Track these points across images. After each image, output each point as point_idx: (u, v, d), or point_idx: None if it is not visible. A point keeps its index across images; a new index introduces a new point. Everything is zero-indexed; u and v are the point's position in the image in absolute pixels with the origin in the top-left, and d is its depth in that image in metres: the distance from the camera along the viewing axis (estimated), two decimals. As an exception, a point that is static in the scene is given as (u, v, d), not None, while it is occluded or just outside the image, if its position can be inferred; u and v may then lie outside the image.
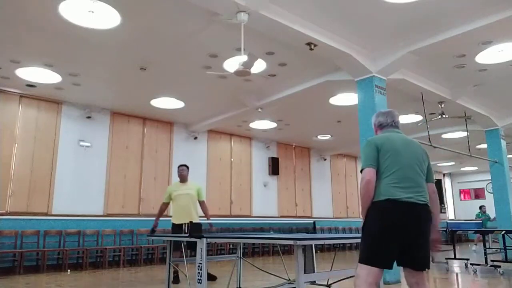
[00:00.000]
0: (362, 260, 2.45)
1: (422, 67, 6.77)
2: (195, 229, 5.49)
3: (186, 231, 5.74)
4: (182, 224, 5.84)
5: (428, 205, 2.52)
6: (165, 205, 6.13)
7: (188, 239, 4.21)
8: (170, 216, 6.23)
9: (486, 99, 8.59)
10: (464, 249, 12.65)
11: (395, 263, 2.46)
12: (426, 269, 2.51)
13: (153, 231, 5.89)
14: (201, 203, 6.18)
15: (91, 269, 7.85)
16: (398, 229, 2.41)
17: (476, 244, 12.43)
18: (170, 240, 4.96)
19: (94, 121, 8.85)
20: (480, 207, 14.41)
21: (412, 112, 9.19)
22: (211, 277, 5.95)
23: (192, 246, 5.42)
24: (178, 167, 6.21)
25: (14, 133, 7.83)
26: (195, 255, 5.25)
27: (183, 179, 6.13)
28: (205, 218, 6.01)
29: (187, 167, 6.22)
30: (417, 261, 2.48)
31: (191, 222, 5.46)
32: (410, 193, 2.47)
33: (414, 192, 2.48)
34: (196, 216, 5.99)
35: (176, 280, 5.80)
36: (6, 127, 7.74)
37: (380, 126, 2.84)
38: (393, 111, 2.88)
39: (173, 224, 5.98)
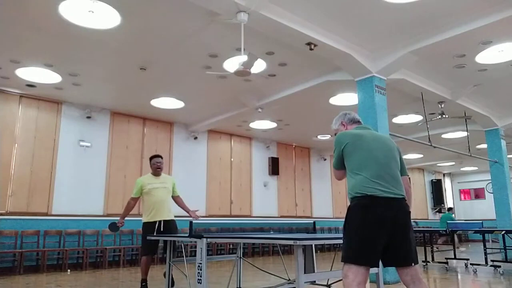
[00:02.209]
0: (349, 260, 2.37)
1: (422, 67, 6.77)
2: (174, 227, 5.22)
3: (161, 230, 5.09)
4: (155, 222, 5.08)
5: (406, 198, 2.52)
6: (135, 201, 5.25)
7: (187, 239, 4.19)
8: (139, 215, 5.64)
9: (486, 99, 8.60)
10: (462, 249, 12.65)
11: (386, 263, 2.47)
12: (413, 264, 2.40)
13: (116, 227, 5.17)
14: (177, 199, 5.39)
15: (91, 269, 7.85)
16: (379, 225, 2.36)
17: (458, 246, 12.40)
18: (170, 240, 4.94)
19: (94, 121, 8.85)
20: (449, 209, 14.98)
21: (412, 112, 9.18)
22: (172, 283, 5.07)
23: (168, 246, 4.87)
24: (154, 158, 5.30)
25: (14, 133, 7.83)
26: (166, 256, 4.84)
27: (159, 173, 5.29)
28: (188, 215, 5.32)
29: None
30: (402, 255, 2.41)
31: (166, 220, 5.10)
32: (387, 188, 2.44)
33: (392, 187, 2.45)
34: (172, 214, 5.27)
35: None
36: (6, 127, 7.74)
37: (352, 121, 2.88)
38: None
39: (147, 223, 5.13)
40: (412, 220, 2.54)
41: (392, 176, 2.50)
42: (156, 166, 5.26)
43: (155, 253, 5.35)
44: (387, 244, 2.38)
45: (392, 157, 2.59)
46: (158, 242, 5.13)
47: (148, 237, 4.95)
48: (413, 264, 2.40)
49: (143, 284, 5.05)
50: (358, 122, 2.88)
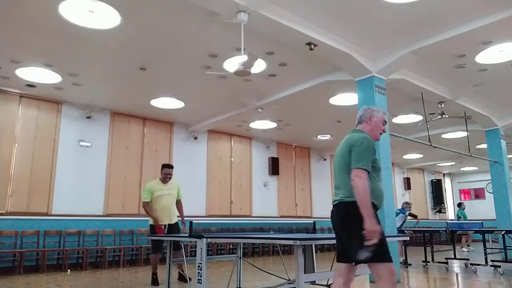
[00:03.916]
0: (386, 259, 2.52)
1: (422, 67, 6.77)
2: (176, 229, 5.76)
3: (165, 232, 5.68)
4: (163, 226, 5.70)
5: (342, 202, 2.63)
6: (149, 203, 5.74)
7: (188, 239, 4.20)
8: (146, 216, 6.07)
9: (486, 99, 8.60)
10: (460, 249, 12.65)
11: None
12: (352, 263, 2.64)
13: (154, 230, 5.68)
14: (178, 203, 5.96)
15: (91, 269, 7.85)
16: (333, 229, 2.77)
17: (463, 246, 12.37)
18: (170, 240, 4.96)
19: (94, 121, 8.85)
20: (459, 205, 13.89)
21: (412, 112, 9.18)
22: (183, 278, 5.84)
23: (176, 246, 5.43)
24: (166, 168, 5.86)
25: (14, 133, 7.83)
26: (179, 255, 5.33)
27: (167, 181, 5.84)
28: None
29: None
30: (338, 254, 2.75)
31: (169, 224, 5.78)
32: (334, 196, 2.75)
33: (334, 195, 2.75)
34: (176, 216, 5.90)
35: (155, 282, 5.65)
36: (6, 127, 7.74)
37: None
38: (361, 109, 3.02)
39: (152, 226, 5.73)
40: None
41: (335, 183, 2.78)
42: (166, 176, 5.83)
43: (161, 251, 5.99)
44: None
45: (338, 161, 2.77)
46: (163, 242, 5.74)
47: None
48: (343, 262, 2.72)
49: (153, 276, 5.71)
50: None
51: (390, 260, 2.50)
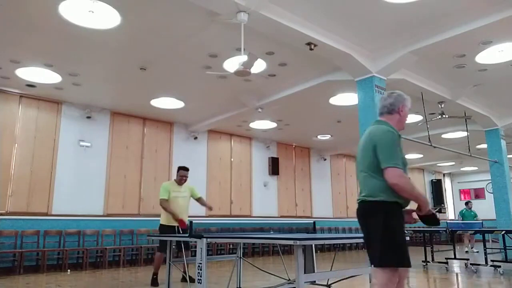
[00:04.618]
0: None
1: (422, 67, 6.77)
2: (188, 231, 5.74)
3: (179, 233, 5.72)
4: (174, 226, 5.76)
5: (364, 201, 2.49)
6: (167, 201, 5.77)
7: (188, 239, 4.20)
8: (158, 216, 6.11)
9: (486, 99, 8.59)
10: (463, 249, 12.65)
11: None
12: (372, 265, 2.46)
13: (164, 230, 5.75)
14: (199, 200, 6.12)
15: (91, 269, 7.85)
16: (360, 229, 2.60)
17: (467, 246, 12.35)
18: (170, 240, 4.96)
19: (94, 121, 8.85)
20: (467, 203, 13.63)
21: (412, 112, 9.17)
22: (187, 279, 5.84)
23: (186, 246, 5.58)
24: (182, 170, 5.92)
25: (14, 133, 7.83)
26: (188, 255, 5.38)
27: (182, 183, 5.92)
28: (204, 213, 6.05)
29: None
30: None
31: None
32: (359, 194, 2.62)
33: (359, 193, 2.60)
34: (187, 218, 5.91)
35: (154, 282, 5.67)
36: (6, 127, 7.74)
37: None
38: (385, 95, 2.77)
39: (164, 226, 5.80)
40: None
41: (359, 181, 2.62)
42: (182, 178, 5.91)
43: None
44: None
45: (360, 158, 2.61)
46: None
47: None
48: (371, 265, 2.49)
49: (154, 277, 5.71)
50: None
51: (401, 265, 2.37)
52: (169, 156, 10.00)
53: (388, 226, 2.38)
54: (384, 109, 2.68)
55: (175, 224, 5.74)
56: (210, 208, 6.05)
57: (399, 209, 2.45)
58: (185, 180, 5.93)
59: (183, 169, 5.94)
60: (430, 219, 2.50)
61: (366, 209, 2.49)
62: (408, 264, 2.36)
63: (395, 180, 2.35)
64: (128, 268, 8.04)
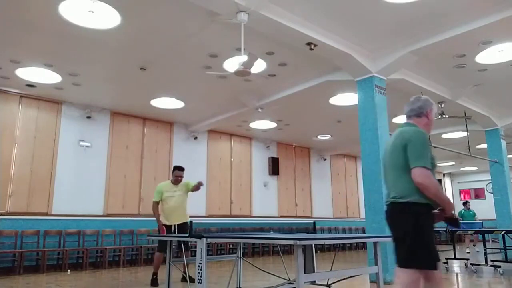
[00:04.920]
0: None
1: (422, 67, 6.77)
2: (187, 229, 5.62)
3: (175, 232, 5.77)
4: (171, 226, 5.79)
5: (394, 203, 2.50)
6: (157, 204, 5.86)
7: (188, 239, 4.20)
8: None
9: (486, 99, 8.59)
10: (464, 249, 12.65)
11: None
12: (398, 265, 2.46)
13: (160, 230, 5.77)
14: (192, 188, 5.92)
15: (91, 269, 7.85)
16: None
17: (468, 246, 12.31)
18: (170, 240, 4.96)
19: (94, 121, 8.85)
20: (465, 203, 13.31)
21: (412, 112, 9.17)
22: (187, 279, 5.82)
23: (185, 247, 5.57)
24: (177, 170, 5.91)
25: (14, 133, 7.83)
26: (188, 255, 5.39)
27: (177, 183, 5.91)
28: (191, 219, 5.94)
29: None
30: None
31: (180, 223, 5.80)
32: (386, 196, 2.64)
33: (386, 195, 2.62)
34: (187, 216, 5.94)
35: (154, 282, 5.66)
36: (6, 127, 7.74)
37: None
38: (412, 99, 2.79)
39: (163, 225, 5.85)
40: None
41: (386, 182, 2.64)
42: (177, 178, 5.89)
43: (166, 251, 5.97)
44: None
45: (389, 158, 2.60)
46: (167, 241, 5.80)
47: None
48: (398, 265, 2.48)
49: (153, 277, 5.70)
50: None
51: (431, 267, 2.37)
52: (169, 156, 10.00)
53: (417, 228, 2.38)
54: (412, 112, 2.71)
55: (173, 223, 5.76)
56: (200, 184, 5.80)
57: (429, 210, 2.44)
58: (181, 180, 5.91)
59: (178, 169, 5.92)
60: (453, 222, 2.58)
61: (396, 211, 2.48)
62: (433, 266, 2.35)
63: (420, 179, 2.36)
64: (128, 268, 8.04)
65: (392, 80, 6.63)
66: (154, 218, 5.87)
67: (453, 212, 2.51)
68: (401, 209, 2.45)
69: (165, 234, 5.63)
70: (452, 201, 2.55)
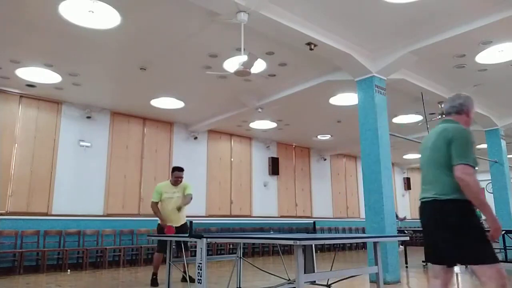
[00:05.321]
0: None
1: (422, 67, 6.77)
2: (185, 230, 5.69)
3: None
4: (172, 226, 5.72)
5: (436, 200, 2.41)
6: (157, 204, 5.80)
7: (188, 239, 4.20)
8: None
9: (486, 99, 8.60)
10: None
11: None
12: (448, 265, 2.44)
13: (161, 230, 5.69)
14: (185, 196, 5.79)
15: (91, 269, 7.85)
16: (421, 228, 2.57)
17: None
18: (170, 240, 4.96)
19: (94, 121, 8.85)
20: None
21: (412, 112, 9.18)
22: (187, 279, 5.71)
23: (185, 247, 5.54)
24: (176, 171, 5.85)
25: (14, 133, 7.83)
26: (188, 255, 5.38)
27: (177, 184, 5.86)
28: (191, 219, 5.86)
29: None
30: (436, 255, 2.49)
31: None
32: (422, 192, 2.57)
33: (423, 191, 2.55)
34: (185, 218, 5.91)
35: (154, 282, 5.65)
36: (6, 127, 7.74)
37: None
38: (453, 95, 2.72)
39: (161, 225, 5.78)
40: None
41: (426, 178, 2.56)
42: (177, 179, 5.84)
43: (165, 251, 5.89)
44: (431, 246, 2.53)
45: (431, 154, 2.52)
46: (166, 242, 5.72)
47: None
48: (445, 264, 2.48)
49: (153, 277, 5.69)
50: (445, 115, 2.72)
51: (496, 261, 2.29)
52: (169, 156, 10.00)
53: (473, 223, 2.34)
54: (452, 109, 2.66)
55: (173, 224, 5.71)
56: (184, 204, 5.72)
57: (473, 207, 2.38)
58: (181, 181, 5.86)
59: (177, 170, 5.86)
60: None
61: (442, 208, 2.40)
62: (497, 260, 2.31)
63: (462, 176, 2.30)
64: (128, 268, 8.04)
65: (392, 80, 6.63)
66: (154, 218, 5.87)
67: (498, 229, 2.29)
68: (449, 207, 2.38)
69: (167, 234, 5.59)
70: (497, 219, 2.36)
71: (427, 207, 2.50)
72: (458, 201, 2.36)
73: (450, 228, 2.35)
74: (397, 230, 8.92)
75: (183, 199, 5.77)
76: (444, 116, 2.70)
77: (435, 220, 2.43)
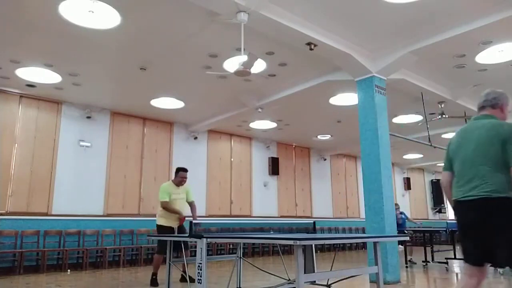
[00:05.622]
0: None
1: (422, 67, 6.77)
2: (185, 231, 5.66)
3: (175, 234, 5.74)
4: (173, 228, 5.75)
5: (488, 198, 2.33)
6: (168, 202, 5.70)
7: (188, 239, 4.20)
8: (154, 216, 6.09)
9: (486, 99, 8.58)
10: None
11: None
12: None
13: (161, 230, 5.72)
14: (191, 204, 5.93)
15: (91, 269, 7.85)
16: (462, 228, 2.46)
17: None
18: (170, 240, 4.96)
19: (94, 121, 8.85)
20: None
21: (412, 112, 9.18)
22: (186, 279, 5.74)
23: (185, 246, 5.51)
24: (181, 171, 5.82)
25: (14, 133, 7.83)
26: (188, 255, 5.38)
27: (181, 184, 5.85)
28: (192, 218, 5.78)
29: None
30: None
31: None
32: (461, 191, 2.46)
33: (464, 190, 2.44)
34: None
35: (154, 282, 5.64)
36: (6, 127, 7.74)
37: None
38: (487, 90, 2.65)
39: (163, 226, 5.73)
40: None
41: (467, 176, 2.46)
42: (182, 180, 5.83)
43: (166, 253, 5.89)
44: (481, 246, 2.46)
45: (477, 150, 2.44)
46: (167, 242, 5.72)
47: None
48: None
49: (153, 277, 5.70)
50: (477, 111, 2.67)
51: None
52: (169, 156, 10.00)
53: None
54: (486, 103, 2.60)
55: (174, 225, 5.73)
56: (194, 218, 5.73)
57: None
58: (185, 182, 5.87)
59: (182, 171, 5.85)
60: None
61: (495, 206, 2.31)
62: None
63: None
64: (128, 268, 8.04)
65: (392, 80, 6.63)
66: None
67: None
68: (502, 205, 2.30)
69: (167, 234, 5.60)
70: None
71: (473, 205, 2.39)
72: None
73: (505, 228, 2.27)
74: (406, 230, 8.89)
75: (194, 213, 5.87)
76: (479, 111, 2.63)
77: (485, 219, 2.34)
